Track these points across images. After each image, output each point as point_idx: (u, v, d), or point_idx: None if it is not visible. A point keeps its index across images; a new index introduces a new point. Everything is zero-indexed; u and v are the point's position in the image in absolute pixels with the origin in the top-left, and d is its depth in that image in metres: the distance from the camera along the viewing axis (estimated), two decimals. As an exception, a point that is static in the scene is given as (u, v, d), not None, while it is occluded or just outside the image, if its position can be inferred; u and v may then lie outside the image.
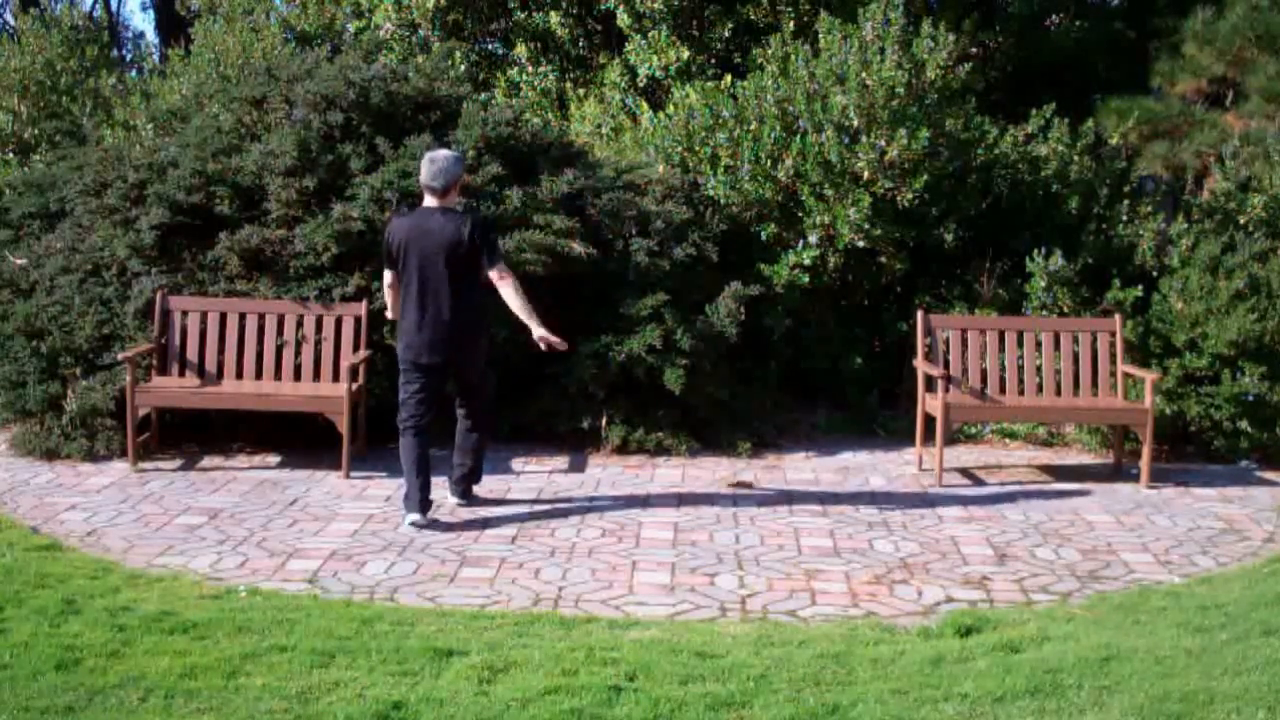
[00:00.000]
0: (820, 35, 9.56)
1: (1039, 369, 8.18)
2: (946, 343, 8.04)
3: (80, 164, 9.04)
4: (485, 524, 6.58)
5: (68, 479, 7.38)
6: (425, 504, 6.49)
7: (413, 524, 6.44)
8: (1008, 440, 8.85)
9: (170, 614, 5.01)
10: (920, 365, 8.00)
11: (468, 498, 6.92)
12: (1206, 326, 8.32)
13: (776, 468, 8.02)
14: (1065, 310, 8.70)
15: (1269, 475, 8.03)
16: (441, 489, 6.92)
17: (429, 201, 6.51)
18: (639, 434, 8.22)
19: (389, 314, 7.01)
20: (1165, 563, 6.16)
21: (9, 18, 20.42)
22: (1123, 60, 12.62)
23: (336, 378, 7.79)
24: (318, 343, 7.89)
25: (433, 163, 6.47)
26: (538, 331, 6.51)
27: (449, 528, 6.46)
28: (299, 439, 7.98)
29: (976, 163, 9.63)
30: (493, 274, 6.47)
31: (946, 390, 7.73)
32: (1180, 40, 11.18)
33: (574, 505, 7.00)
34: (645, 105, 10.71)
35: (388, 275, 6.69)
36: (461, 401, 6.77)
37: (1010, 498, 7.36)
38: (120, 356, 7.57)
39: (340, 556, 5.98)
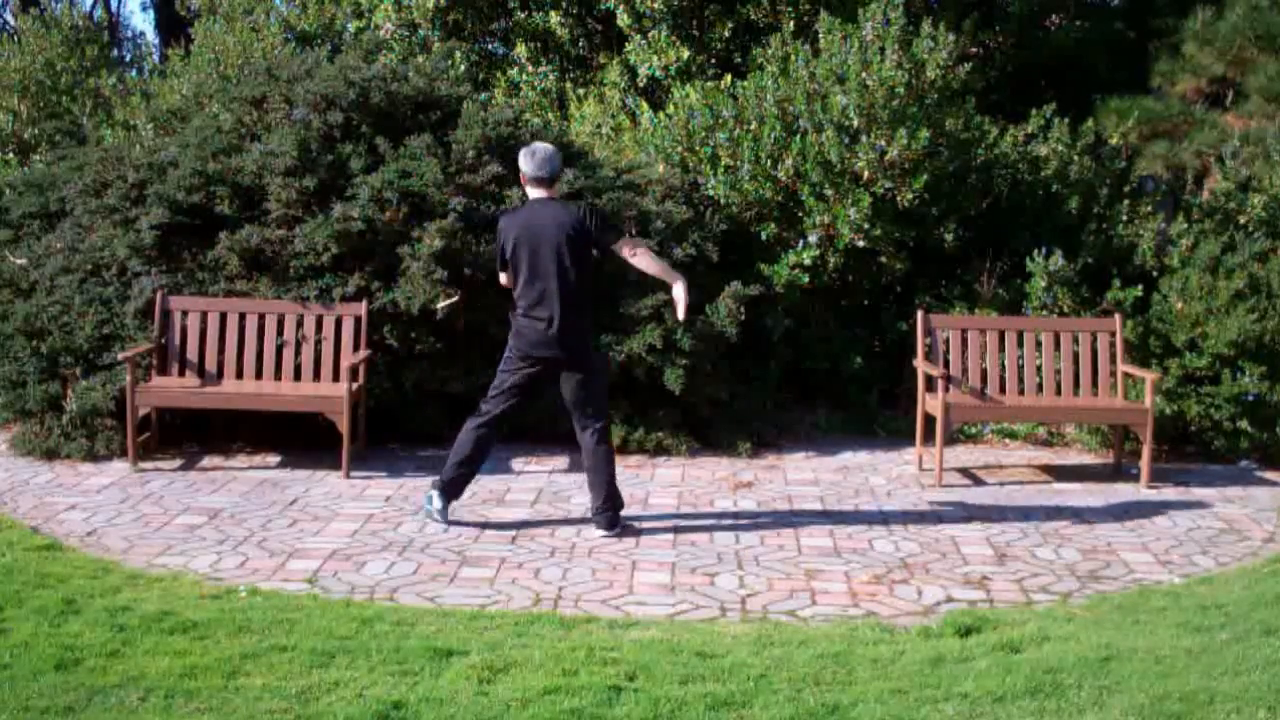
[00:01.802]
0: (820, 35, 9.56)
1: (1039, 369, 8.18)
2: (946, 343, 8.04)
3: (80, 164, 9.04)
4: (485, 524, 6.57)
5: (68, 479, 7.38)
6: (451, 495, 6.45)
7: (428, 513, 6.44)
8: (1008, 440, 8.85)
9: (170, 614, 5.01)
10: (920, 365, 8.00)
11: (615, 526, 6.41)
12: (1206, 326, 8.32)
13: (776, 468, 8.02)
14: (1065, 310, 8.70)
15: (1269, 475, 8.03)
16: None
17: (536, 194, 6.35)
18: (639, 434, 8.23)
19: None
20: (1165, 563, 6.16)
21: (9, 18, 20.41)
22: (1123, 60, 12.62)
23: (336, 378, 7.80)
24: (318, 343, 7.90)
25: (535, 154, 6.32)
26: (679, 290, 6.46)
27: (448, 527, 6.46)
28: (299, 439, 7.98)
29: (976, 163, 9.63)
30: (624, 248, 6.43)
31: (946, 390, 7.73)
32: (1180, 40, 11.18)
33: (574, 505, 7.00)
34: (645, 105, 10.70)
35: (503, 277, 6.48)
36: (576, 415, 6.41)
37: (1010, 498, 7.36)
38: (120, 356, 7.58)
39: (340, 556, 5.98)
